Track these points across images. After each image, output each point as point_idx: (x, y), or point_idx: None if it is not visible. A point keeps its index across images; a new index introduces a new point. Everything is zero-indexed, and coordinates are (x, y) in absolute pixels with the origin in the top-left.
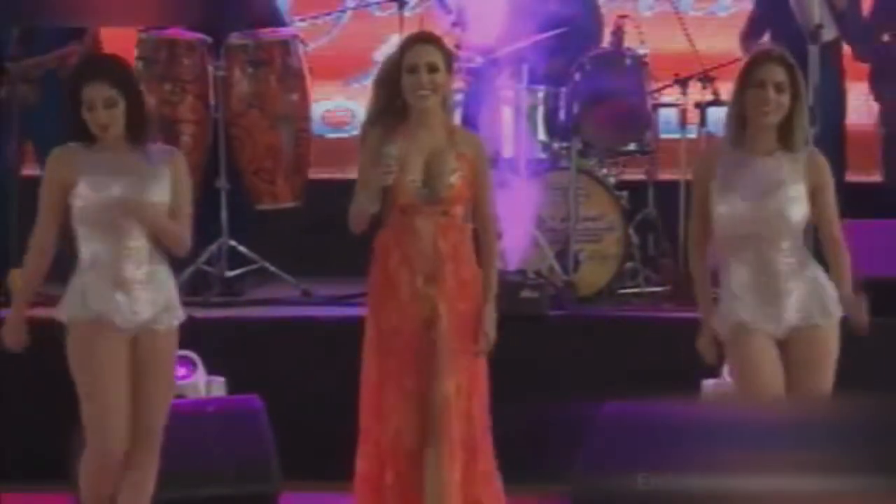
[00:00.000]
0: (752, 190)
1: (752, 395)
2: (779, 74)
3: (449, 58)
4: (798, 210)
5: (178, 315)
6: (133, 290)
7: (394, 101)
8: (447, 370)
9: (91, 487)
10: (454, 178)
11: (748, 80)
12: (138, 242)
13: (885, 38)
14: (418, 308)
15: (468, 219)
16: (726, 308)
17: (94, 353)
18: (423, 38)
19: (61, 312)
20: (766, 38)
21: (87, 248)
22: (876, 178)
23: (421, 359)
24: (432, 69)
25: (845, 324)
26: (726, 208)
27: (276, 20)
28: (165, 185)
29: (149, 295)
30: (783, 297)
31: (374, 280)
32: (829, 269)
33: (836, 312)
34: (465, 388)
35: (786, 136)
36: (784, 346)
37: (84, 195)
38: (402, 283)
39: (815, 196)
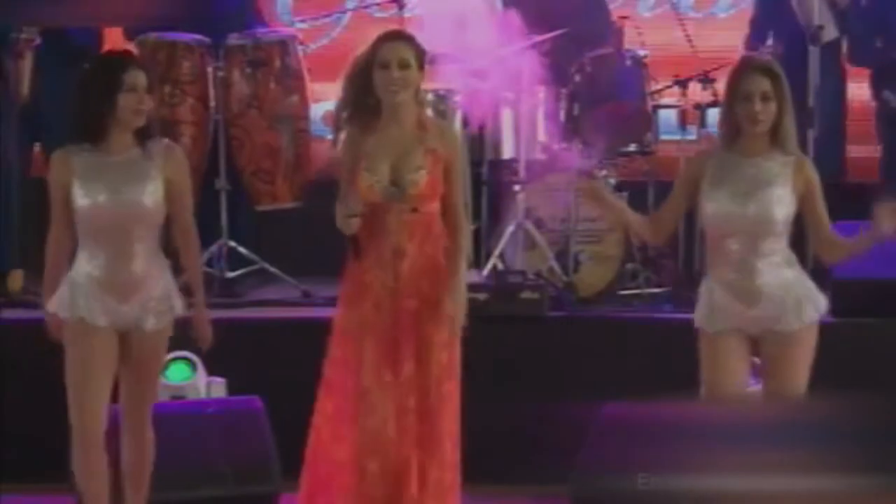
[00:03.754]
0: (739, 189)
1: (714, 392)
2: (763, 84)
3: (421, 54)
4: (781, 210)
5: (170, 313)
6: (123, 291)
7: (365, 98)
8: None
9: (80, 473)
10: (419, 176)
11: (735, 92)
12: (134, 245)
13: (878, 43)
14: (386, 303)
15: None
16: (705, 303)
17: (79, 352)
18: (395, 35)
19: (51, 305)
20: (769, 41)
21: (83, 247)
22: (876, 179)
23: (389, 354)
24: (404, 65)
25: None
26: (714, 207)
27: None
28: (159, 186)
29: (139, 295)
30: (760, 297)
31: (346, 276)
32: (832, 251)
33: (813, 316)
34: (432, 388)
35: (777, 140)
36: (758, 344)
37: (80, 199)
38: (372, 280)
39: (804, 202)
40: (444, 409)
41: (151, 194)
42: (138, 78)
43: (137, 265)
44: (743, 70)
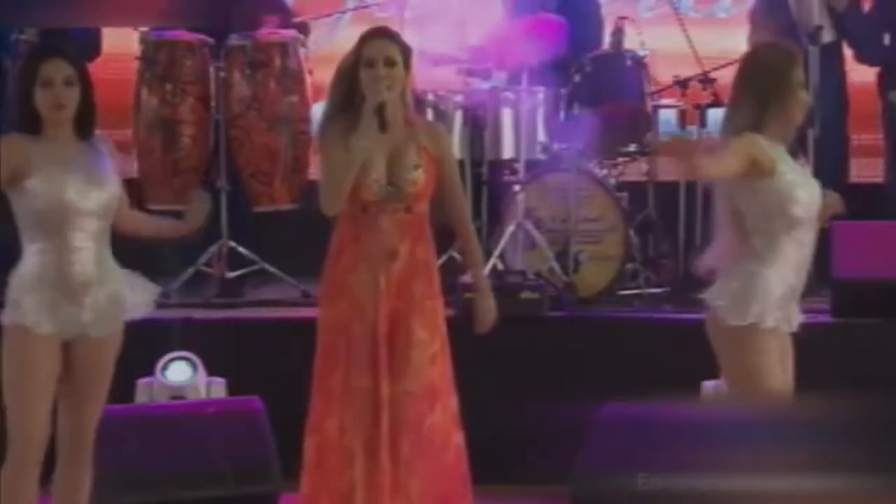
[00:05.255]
0: (806, 175)
1: (760, 392)
2: (802, 74)
3: (407, 53)
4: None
5: (116, 322)
6: (73, 294)
7: (352, 97)
8: (391, 372)
9: (9, 495)
10: (417, 174)
11: (793, 81)
12: (85, 244)
13: (886, 40)
14: (372, 304)
15: (430, 216)
16: (755, 301)
17: (22, 361)
18: (380, 33)
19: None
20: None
21: (31, 246)
22: (877, 179)
23: (371, 357)
24: (390, 63)
25: None
26: (806, 193)
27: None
28: (114, 183)
29: (90, 299)
30: (797, 298)
31: (328, 275)
32: None
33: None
34: (416, 394)
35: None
36: None
37: (36, 191)
38: (357, 280)
39: None
40: (434, 417)
41: (112, 185)
42: (57, 71)
43: (85, 264)
44: (795, 60)
